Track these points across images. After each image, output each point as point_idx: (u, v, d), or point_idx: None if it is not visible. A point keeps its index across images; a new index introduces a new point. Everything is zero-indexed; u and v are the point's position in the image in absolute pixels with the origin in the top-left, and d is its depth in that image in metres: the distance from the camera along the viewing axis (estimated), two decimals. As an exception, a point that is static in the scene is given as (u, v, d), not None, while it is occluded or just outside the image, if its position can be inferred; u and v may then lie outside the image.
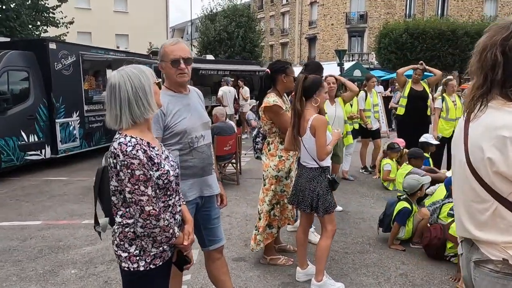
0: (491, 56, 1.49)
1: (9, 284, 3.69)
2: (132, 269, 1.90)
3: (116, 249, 1.94)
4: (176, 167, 2.07)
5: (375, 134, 7.73)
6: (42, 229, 5.09)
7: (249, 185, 7.10)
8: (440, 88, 9.81)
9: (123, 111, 1.85)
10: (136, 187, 1.78)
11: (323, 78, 4.31)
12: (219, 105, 11.61)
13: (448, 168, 6.69)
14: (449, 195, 4.59)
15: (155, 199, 1.83)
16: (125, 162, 1.76)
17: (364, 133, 7.68)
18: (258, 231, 3.86)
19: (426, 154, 6.41)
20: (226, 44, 28.37)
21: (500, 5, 32.05)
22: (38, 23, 15.08)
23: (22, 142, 8.14)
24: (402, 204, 4.25)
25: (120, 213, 1.92)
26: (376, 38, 30.07)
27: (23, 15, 13.67)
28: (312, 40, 37.84)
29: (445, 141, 6.88)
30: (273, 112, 3.61)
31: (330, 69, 12.96)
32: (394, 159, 6.33)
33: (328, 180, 3.32)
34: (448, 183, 4.59)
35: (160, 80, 2.03)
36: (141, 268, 1.89)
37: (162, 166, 1.88)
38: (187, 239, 2.03)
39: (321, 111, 3.43)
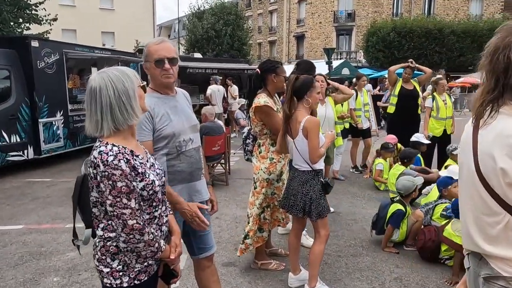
0: (503, 59, 1.39)
1: (-14, 295, 3.51)
2: (115, 286, 1.76)
3: (97, 263, 1.80)
4: (163, 175, 1.94)
5: (365, 134, 7.67)
6: (24, 234, 4.89)
7: (239, 185, 6.97)
8: (429, 86, 9.83)
9: (105, 117, 1.70)
10: (118, 199, 1.64)
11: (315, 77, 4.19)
12: (208, 104, 11.46)
13: (439, 167, 6.66)
14: (441, 195, 4.53)
15: (139, 211, 1.69)
16: (106, 173, 1.62)
17: (355, 133, 7.60)
18: (249, 235, 3.73)
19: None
20: (214, 42, 28.14)
21: (486, 4, 32.38)
22: (20, 20, 14.69)
23: (4, 143, 7.89)
24: (396, 206, 4.17)
25: (101, 225, 1.78)
26: (364, 36, 30.19)
27: (4, 12, 13.30)
28: (300, 38, 37.80)
29: (436, 140, 6.85)
30: (264, 113, 3.48)
31: (319, 67, 12.80)
32: (387, 159, 6.24)
33: (321, 184, 3.21)
34: (440, 184, 4.52)
35: (144, 83, 1.88)
36: (125, 284, 1.76)
37: (147, 176, 1.74)
38: (174, 252, 1.90)
39: (313, 112, 3.31)
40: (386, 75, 15.34)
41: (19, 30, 14.80)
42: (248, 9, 42.75)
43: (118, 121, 1.71)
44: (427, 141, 6.49)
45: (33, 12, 14.94)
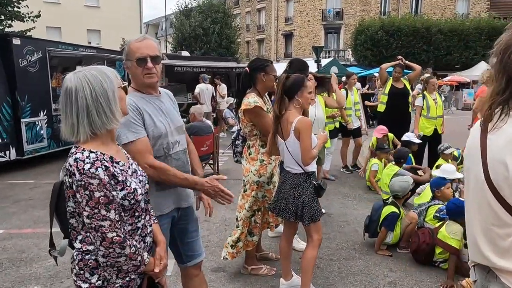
0: None
1: (-39, 306, 3.33)
2: (94, 303, 1.62)
3: (75, 278, 1.66)
4: (146, 182, 1.80)
5: (356, 133, 7.58)
6: (4, 239, 4.69)
7: (228, 186, 6.68)
8: (418, 85, 9.81)
9: (81, 120, 1.56)
10: (96, 211, 1.50)
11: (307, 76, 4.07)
12: (196, 103, 11.30)
13: (430, 166, 6.61)
14: (434, 196, 4.45)
15: (119, 223, 1.55)
16: (82, 183, 1.48)
17: (345, 132, 7.51)
18: (240, 238, 3.61)
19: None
20: (201, 40, 27.91)
21: (472, 3, 32.70)
22: (2, 17, 14.31)
23: (-16, 144, 7.62)
24: (390, 209, 4.07)
25: (79, 237, 1.64)
26: (352, 35, 30.26)
27: (-15, 9, 12.95)
28: (288, 36, 37.72)
29: (427, 140, 6.81)
30: (254, 114, 3.35)
31: (308, 66, 12.70)
32: (383, 160, 6.14)
33: (313, 187, 3.09)
34: (433, 185, 4.44)
35: (126, 83, 1.74)
36: (105, 302, 1.62)
37: (128, 184, 1.60)
38: (158, 265, 1.76)
39: (305, 113, 3.19)
40: (375, 74, 15.41)
41: (0, 28, 14.42)
42: (236, 7, 42.50)
43: (96, 125, 1.57)
44: (418, 141, 6.44)
45: (15, 9, 14.57)
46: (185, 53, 16.23)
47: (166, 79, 13.09)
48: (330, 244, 4.36)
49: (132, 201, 1.61)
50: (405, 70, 7.20)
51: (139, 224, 1.70)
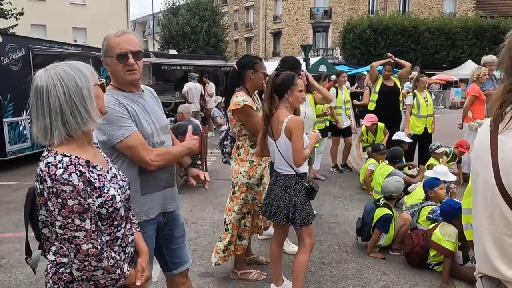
0: None
1: None
2: (69, 320, 1.48)
3: None
4: (127, 187, 1.66)
5: (346, 132, 7.49)
6: (-17, 245, 4.50)
7: (216, 187, 6.68)
8: (407, 83, 9.78)
9: (54, 122, 1.42)
10: (70, 220, 1.36)
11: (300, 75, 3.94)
12: (184, 102, 11.12)
13: (420, 165, 6.56)
14: (427, 197, 4.38)
15: (95, 233, 1.41)
16: (54, 190, 1.34)
17: (335, 131, 7.42)
18: (231, 242, 3.48)
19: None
20: (189, 38, 27.65)
21: (459, 2, 32.97)
22: (-16, 14, 13.96)
23: (-36, 145, 7.36)
24: (383, 211, 3.97)
25: (53, 249, 1.50)
26: (341, 33, 30.29)
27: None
28: (277, 35, 37.62)
29: (417, 139, 6.76)
30: (243, 113, 3.23)
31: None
32: (380, 161, 6.03)
33: (305, 188, 2.98)
34: (426, 185, 4.37)
35: (103, 80, 1.60)
36: (80, 319, 1.48)
37: (106, 191, 1.47)
38: (140, 278, 1.63)
39: (297, 112, 3.08)
40: (364, 72, 15.39)
41: (-18, 25, 14.06)
42: (224, 5, 42.25)
43: (70, 126, 1.43)
44: (409, 140, 6.37)
45: (-2, 5, 14.21)
46: (172, 51, 16.02)
47: (153, 77, 12.87)
48: (321, 247, 4.26)
49: (110, 209, 1.48)
50: (394, 69, 7.15)
51: (118, 234, 1.56)
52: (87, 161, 1.46)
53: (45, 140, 1.46)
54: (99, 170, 1.49)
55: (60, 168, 1.36)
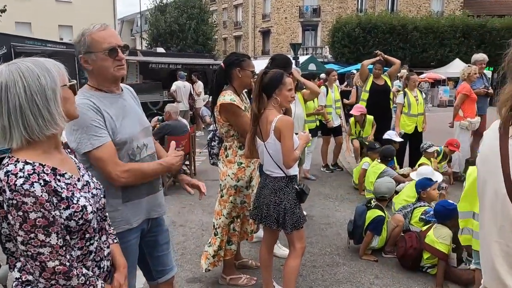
0: None
1: None
2: None
3: None
4: (102, 195, 1.52)
5: (336, 131, 7.39)
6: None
7: (206, 188, 6.53)
8: (396, 81, 9.73)
9: (13, 123, 1.28)
10: (32, 235, 1.21)
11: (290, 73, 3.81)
12: (173, 101, 10.93)
13: (411, 165, 6.50)
14: (419, 198, 4.29)
15: (63, 249, 1.27)
16: (14, 201, 1.19)
17: (325, 130, 7.31)
18: (221, 247, 3.35)
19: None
20: (177, 36, 27.37)
21: (446, 1, 33.21)
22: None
23: None
24: (375, 212, 3.87)
25: (18, 265, 1.35)
26: (330, 32, 30.27)
27: None
28: (266, 33, 37.47)
29: (408, 138, 6.70)
30: (231, 113, 3.09)
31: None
32: (375, 160, 5.93)
33: (296, 191, 2.85)
34: (418, 186, 4.28)
35: (74, 81, 1.45)
36: None
37: (75, 201, 1.32)
38: None
39: (288, 112, 2.95)
40: (353, 71, 15.35)
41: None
42: (212, 3, 41.95)
43: (32, 129, 1.28)
44: (400, 139, 6.29)
45: (-21, 2, 13.83)
46: (160, 50, 15.77)
47: (140, 76, 12.63)
48: (312, 250, 4.14)
49: (81, 221, 1.33)
50: (384, 68, 7.08)
51: (91, 247, 1.42)
52: (54, 169, 1.31)
53: (4, 142, 1.31)
54: (68, 179, 1.35)
55: (20, 177, 1.21)
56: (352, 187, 6.36)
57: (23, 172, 1.22)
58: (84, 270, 1.34)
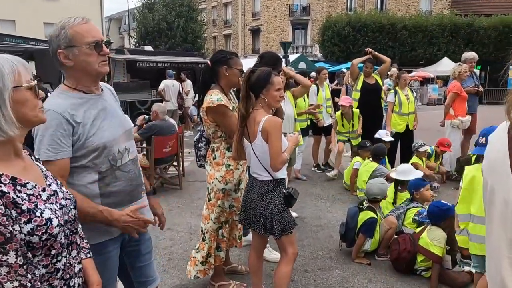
0: None
1: None
2: None
3: None
4: (72, 206, 1.37)
5: (327, 130, 7.28)
6: None
7: (194, 189, 6.39)
8: (386, 80, 9.66)
9: None
10: None
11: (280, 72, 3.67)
12: (161, 100, 10.74)
13: (402, 163, 6.41)
14: (412, 199, 4.20)
15: (23, 268, 1.12)
16: None
17: (316, 129, 7.20)
18: (210, 254, 3.21)
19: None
20: (166, 34, 27.06)
21: (434, 0, 33.39)
22: None
23: None
24: (367, 214, 3.76)
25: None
26: (320, 30, 30.24)
27: None
28: (256, 32, 37.33)
29: (399, 137, 6.63)
30: (218, 113, 2.95)
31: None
32: (366, 158, 5.84)
33: (283, 195, 2.72)
34: (411, 186, 4.19)
35: (34, 82, 1.30)
36: None
37: (38, 214, 1.18)
38: None
39: (278, 112, 2.82)
40: (343, 69, 15.29)
41: None
42: (202, 1, 41.68)
43: None
44: (390, 139, 6.20)
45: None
46: (148, 48, 15.52)
47: (128, 75, 12.41)
48: (304, 253, 4.02)
49: (45, 236, 1.19)
50: (374, 66, 6.99)
51: (59, 265, 1.27)
52: (13, 178, 1.16)
53: None
54: (30, 189, 1.20)
55: None
56: (344, 188, 6.25)
57: None
58: (51, 290, 1.20)
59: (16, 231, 1.11)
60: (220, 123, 3.00)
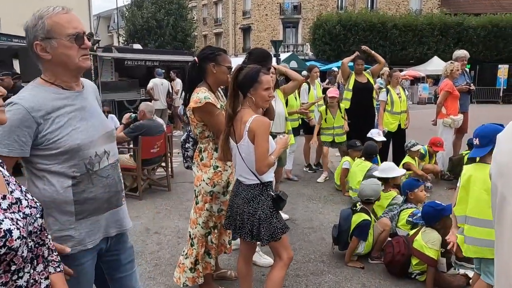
0: None
1: None
2: None
3: None
4: (38, 216, 1.23)
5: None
6: None
7: (183, 190, 6.24)
8: (378, 79, 9.60)
9: None
10: None
11: (269, 68, 3.52)
12: (150, 100, 10.56)
13: (394, 162, 6.32)
14: (406, 199, 4.11)
15: None
16: None
17: (307, 129, 7.08)
18: (198, 260, 3.08)
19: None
20: (155, 33, 26.73)
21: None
22: None
23: None
24: (361, 217, 3.65)
25: None
26: (311, 29, 30.20)
27: None
28: (246, 30, 37.17)
29: (391, 136, 6.55)
30: (205, 112, 2.81)
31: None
32: (356, 158, 5.73)
33: (271, 198, 2.59)
34: (405, 187, 4.10)
35: None
36: None
37: None
38: None
39: (268, 112, 2.68)
40: (334, 68, 15.22)
41: None
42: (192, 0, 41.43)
43: None
44: (382, 138, 6.11)
45: None
46: (137, 46, 15.28)
47: (116, 73, 12.19)
48: (295, 257, 3.89)
49: (3, 250, 1.04)
50: (366, 65, 6.88)
51: (20, 282, 1.13)
52: None
53: None
54: None
55: None
56: (336, 188, 6.15)
57: None
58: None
59: None
60: (208, 123, 2.87)
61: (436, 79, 23.94)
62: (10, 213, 1.11)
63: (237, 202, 2.61)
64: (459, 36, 26.98)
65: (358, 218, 3.65)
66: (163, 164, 6.46)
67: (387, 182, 4.55)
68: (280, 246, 2.65)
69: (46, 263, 1.27)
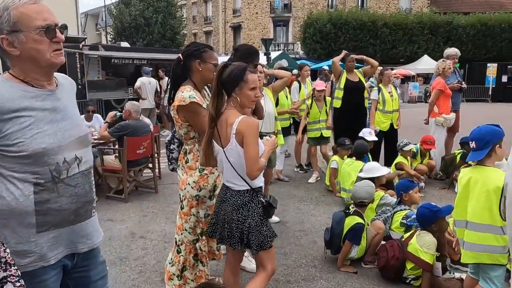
0: None
1: None
2: None
3: None
4: None
5: (310, 129, 7.04)
6: None
7: (170, 192, 6.07)
8: (371, 79, 9.52)
9: None
10: None
11: (256, 65, 3.37)
12: (137, 99, 10.34)
13: (387, 163, 6.24)
14: (400, 201, 3.99)
15: None
16: None
17: (298, 128, 6.95)
18: (185, 267, 2.93)
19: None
20: (143, 30, 26.40)
21: (414, -1, 33.74)
22: None
23: None
24: (354, 220, 3.52)
25: None
26: (301, 27, 30.13)
27: None
28: (237, 28, 36.97)
29: (382, 135, 6.45)
30: (190, 112, 2.66)
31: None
32: (345, 157, 5.61)
33: (262, 205, 2.44)
34: (400, 188, 3.98)
35: None
36: None
37: None
38: None
39: (258, 110, 2.53)
40: (325, 67, 15.13)
41: None
42: (181, -2, 41.11)
43: None
44: (374, 138, 5.99)
45: None
46: (124, 44, 15.04)
47: (103, 72, 11.94)
48: (286, 261, 3.76)
49: None
50: (357, 64, 6.78)
51: None
52: None
53: None
54: None
55: None
56: (327, 189, 6.02)
57: None
58: None
59: None
60: (193, 123, 2.71)
61: (426, 78, 24.02)
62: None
63: (225, 209, 2.44)
64: (449, 35, 27.09)
65: (351, 221, 3.52)
66: (150, 165, 6.28)
67: (373, 182, 4.44)
68: (266, 257, 2.49)
69: (4, 279, 1.12)
